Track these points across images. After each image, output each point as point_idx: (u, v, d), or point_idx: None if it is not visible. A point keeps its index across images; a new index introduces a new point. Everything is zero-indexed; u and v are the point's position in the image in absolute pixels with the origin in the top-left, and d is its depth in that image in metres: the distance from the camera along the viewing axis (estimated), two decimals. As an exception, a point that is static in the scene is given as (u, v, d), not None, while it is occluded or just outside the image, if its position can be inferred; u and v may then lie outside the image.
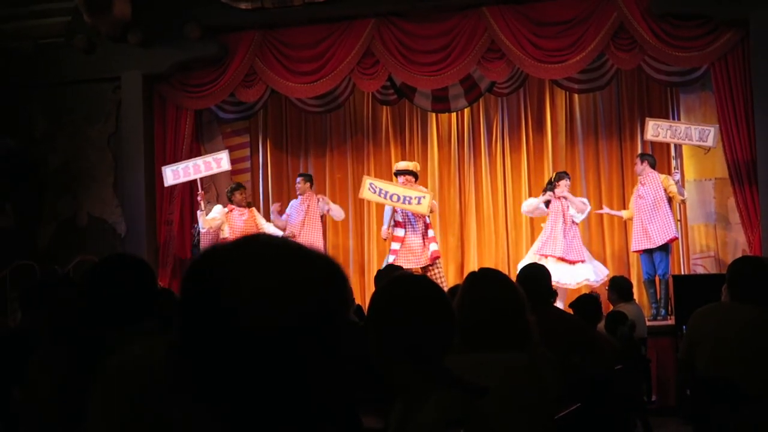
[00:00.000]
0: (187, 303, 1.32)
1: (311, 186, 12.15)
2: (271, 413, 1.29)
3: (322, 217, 12.20)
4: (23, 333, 4.30)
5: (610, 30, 10.99)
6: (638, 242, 11.14)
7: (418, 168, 11.98)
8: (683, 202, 11.32)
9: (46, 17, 12.25)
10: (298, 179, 12.22)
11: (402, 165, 11.81)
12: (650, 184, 11.03)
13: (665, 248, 11.05)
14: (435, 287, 2.74)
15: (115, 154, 12.28)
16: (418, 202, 11.28)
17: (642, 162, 11.20)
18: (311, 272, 1.32)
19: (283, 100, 13.09)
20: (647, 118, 11.21)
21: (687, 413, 7.24)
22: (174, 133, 12.21)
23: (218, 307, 1.27)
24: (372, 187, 11.48)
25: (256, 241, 1.36)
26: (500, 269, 3.86)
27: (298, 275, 1.31)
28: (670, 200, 11.08)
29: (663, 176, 11.12)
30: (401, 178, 11.56)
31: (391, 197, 11.37)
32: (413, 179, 11.61)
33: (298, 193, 12.13)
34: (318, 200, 11.98)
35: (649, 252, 11.07)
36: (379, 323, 2.63)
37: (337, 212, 12.13)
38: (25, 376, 3.35)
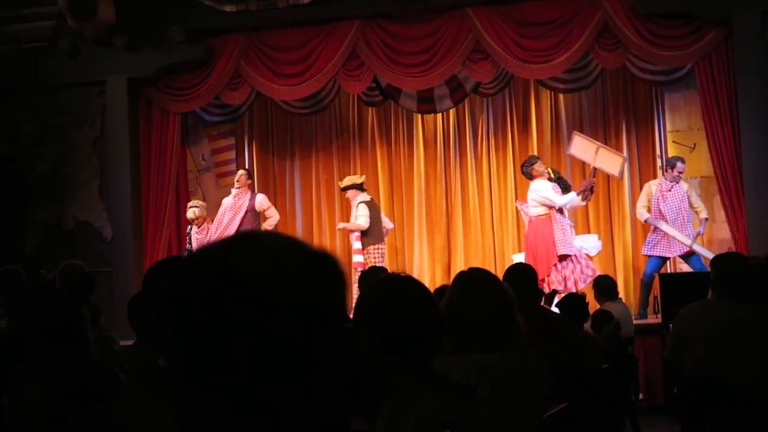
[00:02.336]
0: (187, 296, 1.29)
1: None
2: (279, 404, 1.28)
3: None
4: (11, 338, 4.29)
5: (594, 30, 11.00)
6: (652, 247, 11.02)
7: (362, 179, 12.01)
8: (706, 219, 11.11)
9: (30, 21, 12.19)
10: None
11: (347, 181, 11.91)
12: (677, 191, 10.94)
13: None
14: (422, 288, 2.74)
15: (101, 158, 12.24)
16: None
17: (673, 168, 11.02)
18: (314, 264, 1.32)
19: (269, 102, 13.06)
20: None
21: (675, 412, 7.27)
22: (159, 136, 12.18)
23: (225, 296, 1.26)
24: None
25: (255, 234, 1.36)
26: (487, 269, 3.84)
27: (302, 264, 1.31)
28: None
29: (686, 185, 11.06)
30: (348, 193, 11.77)
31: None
32: (358, 192, 11.72)
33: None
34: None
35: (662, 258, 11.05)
36: (368, 325, 2.63)
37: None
38: (14, 380, 3.33)
